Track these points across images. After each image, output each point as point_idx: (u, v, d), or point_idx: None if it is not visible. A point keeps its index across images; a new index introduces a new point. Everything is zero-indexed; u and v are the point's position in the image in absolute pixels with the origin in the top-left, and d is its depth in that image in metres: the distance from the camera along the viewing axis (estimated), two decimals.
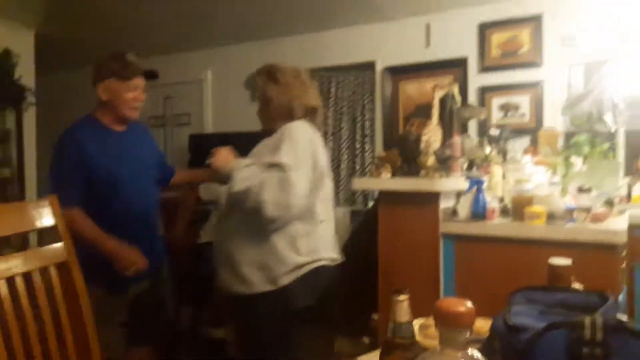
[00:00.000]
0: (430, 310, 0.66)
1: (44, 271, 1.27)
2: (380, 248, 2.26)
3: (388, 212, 2.25)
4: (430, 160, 2.20)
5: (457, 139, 2.35)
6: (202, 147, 4.84)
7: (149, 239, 2.19)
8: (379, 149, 4.23)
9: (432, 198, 2.15)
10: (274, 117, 1.93)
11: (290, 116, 1.90)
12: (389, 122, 4.21)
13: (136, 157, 2.20)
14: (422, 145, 2.25)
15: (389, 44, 4.22)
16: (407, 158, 2.29)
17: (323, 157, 1.84)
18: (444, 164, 2.25)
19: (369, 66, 4.30)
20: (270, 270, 1.75)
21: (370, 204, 3.54)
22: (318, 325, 1.85)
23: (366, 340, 2.45)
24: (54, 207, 1.36)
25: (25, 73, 4.42)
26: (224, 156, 1.88)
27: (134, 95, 2.15)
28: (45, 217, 1.33)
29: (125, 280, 2.01)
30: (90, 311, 1.35)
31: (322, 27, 4.42)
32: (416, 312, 2.05)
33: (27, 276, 1.22)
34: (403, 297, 0.85)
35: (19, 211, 1.31)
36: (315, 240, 1.82)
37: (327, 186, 1.90)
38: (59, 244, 1.33)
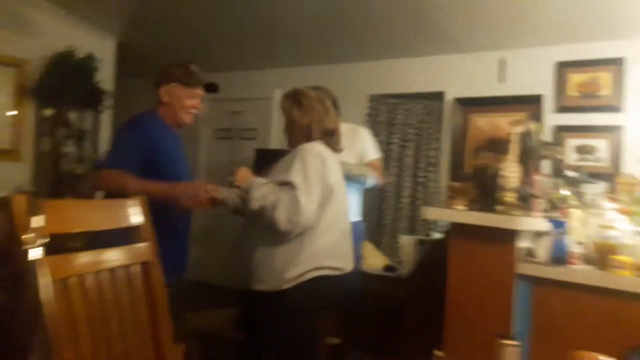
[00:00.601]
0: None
1: (127, 268, 1.29)
2: (449, 282, 2.19)
3: (460, 246, 2.18)
4: (510, 197, 2.12)
5: (539, 177, 2.26)
6: (266, 161, 4.90)
7: (186, 238, 2.35)
8: (444, 180, 4.15)
9: (510, 236, 2.06)
10: (295, 136, 2.18)
11: (309, 137, 2.14)
12: (457, 154, 4.13)
13: (183, 159, 2.41)
14: (500, 180, 2.18)
15: (460, 75, 4.17)
16: (484, 192, 2.22)
17: (333, 176, 2.06)
18: (525, 202, 2.16)
19: (438, 96, 4.25)
20: (275, 275, 1.99)
21: (435, 235, 3.46)
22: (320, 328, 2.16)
23: None
24: (143, 206, 1.38)
25: (105, 77, 4.62)
26: (244, 174, 2.12)
27: (192, 103, 2.34)
28: (135, 215, 1.35)
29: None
30: (167, 311, 1.36)
31: (393, 55, 4.42)
32: (482, 353, 1.96)
33: (113, 271, 1.24)
34: (511, 342, 0.79)
35: (111, 208, 1.33)
36: (317, 253, 2.02)
37: (337, 202, 2.09)
38: (143, 244, 1.34)
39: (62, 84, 4.19)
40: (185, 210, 2.21)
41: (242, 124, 5.47)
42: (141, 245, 1.34)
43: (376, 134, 4.44)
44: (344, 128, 3.07)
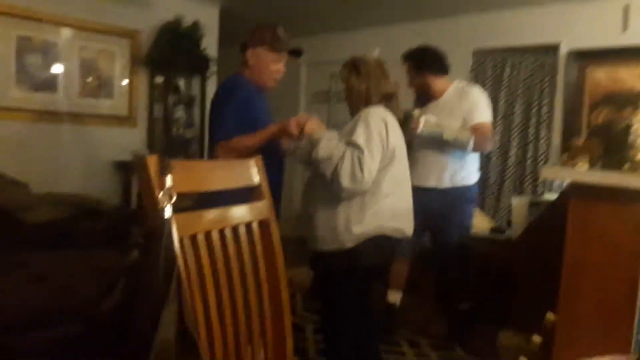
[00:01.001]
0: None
1: (248, 226, 1.32)
2: (568, 245, 2.05)
3: (581, 207, 2.03)
4: None
5: None
6: None
7: (278, 189, 2.41)
8: (557, 138, 3.89)
9: (639, 197, 1.89)
10: (355, 103, 2.20)
11: (368, 102, 2.15)
12: (571, 110, 3.84)
13: (270, 120, 2.37)
14: (631, 137, 1.99)
15: (576, 25, 3.83)
16: (610, 150, 2.04)
17: (395, 139, 2.08)
18: None
19: (551, 49, 3.95)
20: (338, 234, 2.04)
21: (547, 196, 3.27)
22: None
23: (537, 339, 2.26)
24: (259, 166, 1.40)
25: (210, 45, 4.77)
26: (315, 124, 2.13)
27: (277, 67, 2.38)
28: (254, 175, 1.38)
29: None
30: (284, 268, 1.39)
31: (500, 5, 4.14)
32: (603, 324, 1.84)
33: (235, 228, 1.28)
34: None
35: (232, 168, 1.36)
36: (379, 213, 2.07)
37: (399, 165, 2.13)
38: (261, 202, 1.37)
39: (171, 52, 4.39)
40: (283, 150, 2.29)
41: (340, 87, 5.43)
42: (260, 203, 1.37)
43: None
44: (454, 88, 3.08)
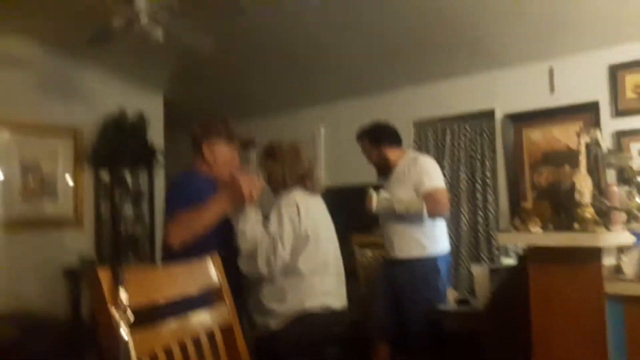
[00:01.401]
0: None
1: (211, 334, 1.25)
2: (533, 311, 2.05)
3: (541, 271, 2.05)
4: (588, 212, 1.99)
5: (615, 189, 2.13)
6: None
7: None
8: (504, 201, 4.00)
9: (594, 255, 1.92)
10: (274, 185, 2.37)
11: (285, 184, 2.33)
12: (514, 172, 3.98)
13: None
14: (577, 195, 2.05)
15: (508, 90, 4.05)
16: (560, 210, 2.10)
17: (308, 222, 2.22)
18: (603, 216, 2.03)
19: (488, 114, 4.14)
20: (265, 316, 2.20)
21: (505, 261, 3.31)
22: None
23: None
24: (217, 265, 1.35)
25: (156, 135, 4.74)
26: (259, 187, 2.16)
27: (232, 158, 2.34)
28: (213, 276, 1.32)
29: None
30: None
31: (435, 77, 4.35)
32: None
33: (196, 340, 1.19)
34: None
35: (189, 271, 1.30)
36: (301, 292, 2.19)
37: (316, 245, 2.24)
38: (222, 305, 1.31)
39: (116, 146, 4.33)
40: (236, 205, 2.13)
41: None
42: (221, 306, 1.30)
43: None
44: (405, 158, 3.22)
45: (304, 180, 2.35)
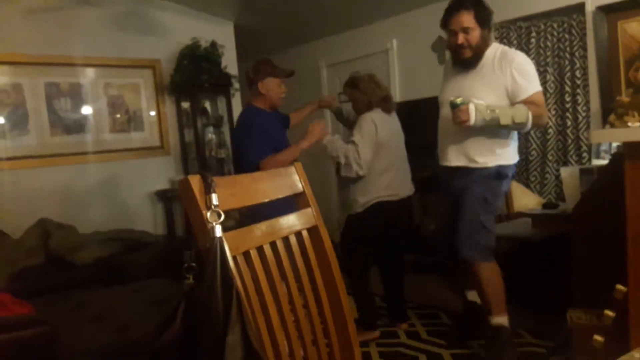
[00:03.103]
0: None
1: (298, 235, 1.28)
2: (629, 209, 1.94)
3: (639, 168, 1.92)
4: None
5: None
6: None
7: None
8: (596, 102, 3.73)
9: None
10: (361, 109, 3.10)
11: (370, 108, 3.08)
12: (607, 70, 3.67)
13: (285, 136, 3.06)
14: None
15: None
16: None
17: (382, 135, 3.03)
18: None
19: (577, 9, 3.79)
20: (351, 204, 3.12)
21: (597, 162, 3.13)
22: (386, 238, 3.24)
23: (609, 314, 2.15)
24: (300, 173, 1.36)
25: (229, 63, 4.79)
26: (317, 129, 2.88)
27: (282, 89, 2.94)
28: (297, 183, 1.35)
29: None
30: (338, 269, 1.33)
31: None
32: None
33: (285, 239, 1.24)
34: None
35: (275, 178, 1.32)
36: (377, 186, 3.05)
37: (389, 151, 3.08)
38: (308, 209, 1.33)
39: (193, 75, 4.43)
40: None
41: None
42: (306, 210, 1.33)
43: None
44: (492, 51, 2.59)
45: (381, 104, 3.08)
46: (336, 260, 1.33)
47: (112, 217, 4.34)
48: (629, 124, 1.92)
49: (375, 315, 3.26)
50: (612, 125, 2.01)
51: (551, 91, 3.93)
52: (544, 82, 3.96)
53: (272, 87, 2.88)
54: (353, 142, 2.98)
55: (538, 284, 2.96)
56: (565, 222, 2.67)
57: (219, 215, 0.96)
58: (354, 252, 3.11)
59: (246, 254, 1.08)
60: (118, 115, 4.58)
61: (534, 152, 4.04)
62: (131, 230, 4.18)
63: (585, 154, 3.69)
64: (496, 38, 4.21)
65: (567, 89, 3.85)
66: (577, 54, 3.81)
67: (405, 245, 3.45)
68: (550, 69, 3.94)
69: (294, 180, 1.33)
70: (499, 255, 2.62)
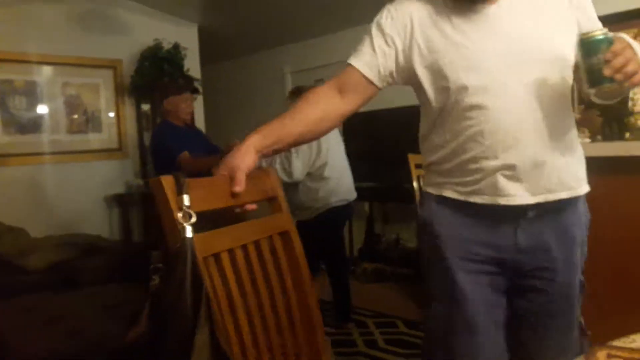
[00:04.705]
0: None
1: (269, 239, 1.28)
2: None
3: (590, 183, 2.01)
4: None
5: None
6: (353, 126, 4.86)
7: None
8: None
9: None
10: None
11: None
12: None
13: (201, 144, 3.46)
14: (630, 104, 1.98)
15: None
16: (610, 120, 2.03)
17: (329, 139, 3.20)
18: None
19: None
20: (303, 210, 3.27)
21: None
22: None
23: None
24: (274, 179, 1.36)
25: (192, 66, 4.75)
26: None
27: (186, 104, 3.40)
28: (272, 188, 1.34)
29: None
30: (310, 278, 1.34)
31: None
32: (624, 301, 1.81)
33: (256, 244, 1.24)
34: None
35: (250, 182, 1.28)
36: (327, 192, 3.24)
37: (333, 158, 3.27)
38: (279, 214, 1.34)
39: (154, 77, 4.36)
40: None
41: None
42: (279, 214, 1.33)
43: None
44: None
45: None
46: (307, 269, 1.33)
47: (66, 220, 4.20)
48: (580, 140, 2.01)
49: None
50: None
51: None
52: None
53: (176, 103, 3.34)
54: (289, 151, 3.12)
55: None
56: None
57: (190, 216, 0.97)
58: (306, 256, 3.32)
59: (216, 256, 1.08)
60: (75, 116, 4.46)
61: None
62: (86, 235, 4.06)
63: None
64: None
65: None
66: None
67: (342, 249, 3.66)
68: None
69: (268, 185, 1.33)
70: None
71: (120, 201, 4.53)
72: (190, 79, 4.46)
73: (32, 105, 4.24)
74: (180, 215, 0.96)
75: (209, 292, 0.96)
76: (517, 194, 1.18)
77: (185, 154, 3.15)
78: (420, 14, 1.24)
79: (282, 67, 5.75)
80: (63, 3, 4.25)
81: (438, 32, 1.21)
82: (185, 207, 0.97)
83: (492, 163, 1.18)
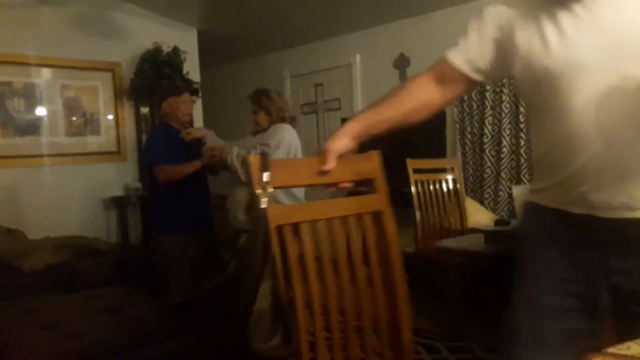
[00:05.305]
0: None
1: (357, 217, 1.35)
2: None
3: None
4: None
5: None
6: None
7: (208, 201, 3.46)
8: None
9: None
10: (273, 120, 3.04)
11: (282, 121, 3.05)
12: None
13: (194, 147, 3.17)
14: None
15: None
16: None
17: (297, 145, 3.02)
18: None
19: None
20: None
21: None
22: None
23: None
24: (375, 161, 1.41)
25: (192, 69, 4.76)
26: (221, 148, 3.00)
27: (185, 107, 3.29)
28: (370, 170, 1.40)
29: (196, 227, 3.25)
30: (400, 260, 1.37)
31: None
32: None
33: (344, 219, 1.32)
34: None
35: (344, 163, 1.33)
36: (301, 197, 2.95)
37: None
38: (374, 195, 1.39)
39: (153, 80, 4.37)
40: (209, 171, 3.28)
41: (325, 96, 5.47)
42: (374, 195, 1.38)
43: None
44: None
45: (291, 121, 3.11)
46: (397, 249, 1.36)
47: (64, 222, 4.20)
48: None
49: None
50: None
51: (506, 111, 4.09)
52: (499, 102, 4.12)
53: (174, 106, 3.27)
54: (267, 145, 2.88)
55: (492, 298, 3.05)
56: (513, 239, 2.77)
57: (267, 190, 1.16)
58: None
59: (295, 225, 1.22)
60: (74, 118, 4.46)
61: (488, 170, 4.18)
62: (84, 237, 4.06)
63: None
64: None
65: (522, 109, 4.01)
66: None
67: None
68: (505, 90, 4.10)
69: (367, 168, 1.38)
70: (451, 268, 2.70)
71: (119, 203, 4.53)
72: (189, 82, 4.48)
73: (31, 107, 4.24)
74: (259, 189, 1.16)
75: (279, 255, 1.16)
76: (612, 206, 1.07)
77: (162, 166, 3.12)
78: (520, 9, 1.17)
79: (282, 71, 5.77)
80: (63, 6, 4.26)
81: (536, 26, 1.12)
82: (264, 182, 1.16)
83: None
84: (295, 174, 1.29)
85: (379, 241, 1.34)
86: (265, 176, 1.16)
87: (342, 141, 1.26)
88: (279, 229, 1.18)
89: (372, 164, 1.38)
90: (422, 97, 1.32)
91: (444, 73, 1.30)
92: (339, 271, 1.26)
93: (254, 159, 1.18)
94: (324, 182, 1.27)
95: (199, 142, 3.09)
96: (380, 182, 1.38)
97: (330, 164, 1.24)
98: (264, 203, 1.14)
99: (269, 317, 1.10)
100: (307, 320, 1.20)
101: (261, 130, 3.05)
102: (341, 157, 1.26)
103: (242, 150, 2.92)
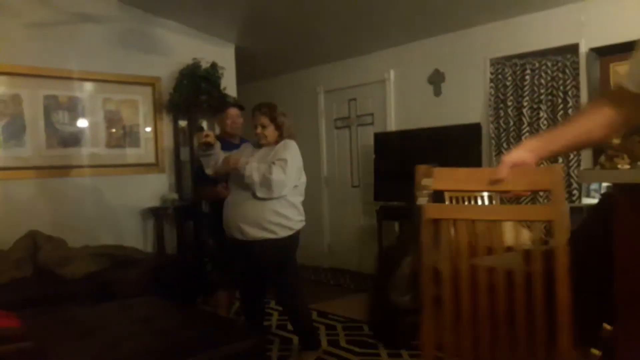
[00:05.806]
0: None
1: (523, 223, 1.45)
2: (617, 255, 1.97)
3: (629, 208, 1.96)
4: None
5: None
6: (386, 144, 4.91)
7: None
8: None
9: None
10: (283, 136, 3.13)
11: (290, 137, 3.15)
12: None
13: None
14: None
15: (595, 22, 3.77)
16: None
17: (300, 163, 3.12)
18: None
19: (571, 49, 3.89)
20: (287, 226, 3.05)
21: (585, 200, 3.18)
22: None
23: (596, 352, 2.17)
24: (558, 174, 1.41)
25: (229, 84, 4.85)
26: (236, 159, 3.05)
27: (231, 120, 3.74)
28: (547, 182, 1.40)
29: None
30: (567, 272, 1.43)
31: (513, 12, 4.12)
32: None
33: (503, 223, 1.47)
34: None
35: (518, 173, 1.37)
36: (302, 209, 3.15)
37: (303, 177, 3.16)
38: (547, 205, 1.44)
39: (192, 95, 4.46)
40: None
41: (359, 111, 5.47)
42: (547, 205, 1.42)
43: (504, 99, 4.21)
44: None
45: (295, 137, 3.19)
46: (567, 259, 1.42)
47: (102, 232, 4.32)
48: (619, 166, 1.97)
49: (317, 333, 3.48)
50: (602, 166, 2.06)
51: (544, 128, 4.01)
52: (537, 119, 4.05)
53: (220, 120, 3.81)
54: (285, 160, 2.95)
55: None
56: (553, 258, 2.69)
57: (424, 192, 1.38)
58: (294, 273, 3.19)
59: (450, 221, 1.41)
60: (114, 130, 4.60)
61: None
62: (121, 247, 4.16)
63: (575, 192, 3.75)
64: (491, 74, 4.31)
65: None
66: (570, 92, 3.90)
67: None
68: (543, 107, 4.03)
69: (544, 179, 1.39)
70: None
71: (155, 214, 4.63)
72: (227, 97, 4.56)
73: (74, 119, 4.39)
74: (418, 191, 1.38)
75: (429, 244, 1.38)
76: None
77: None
78: None
79: (316, 86, 5.81)
80: (105, 23, 4.42)
81: None
82: (423, 185, 1.37)
83: None
84: (463, 180, 1.44)
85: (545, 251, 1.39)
86: (426, 180, 1.36)
87: (517, 153, 1.33)
88: (433, 222, 1.40)
89: (552, 176, 1.38)
90: (605, 114, 1.33)
91: (621, 95, 1.31)
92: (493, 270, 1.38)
93: (420, 167, 1.40)
94: (496, 189, 1.41)
95: (208, 147, 3.15)
96: (558, 195, 1.39)
97: (501, 172, 1.31)
98: (421, 201, 1.38)
99: (409, 281, 1.34)
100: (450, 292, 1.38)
101: (267, 144, 3.09)
102: (516, 167, 1.31)
103: (263, 165, 2.95)
